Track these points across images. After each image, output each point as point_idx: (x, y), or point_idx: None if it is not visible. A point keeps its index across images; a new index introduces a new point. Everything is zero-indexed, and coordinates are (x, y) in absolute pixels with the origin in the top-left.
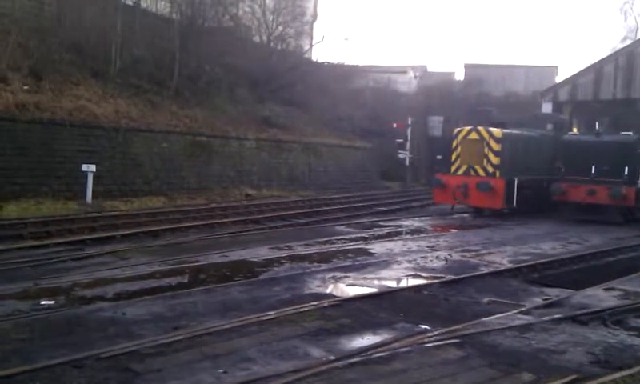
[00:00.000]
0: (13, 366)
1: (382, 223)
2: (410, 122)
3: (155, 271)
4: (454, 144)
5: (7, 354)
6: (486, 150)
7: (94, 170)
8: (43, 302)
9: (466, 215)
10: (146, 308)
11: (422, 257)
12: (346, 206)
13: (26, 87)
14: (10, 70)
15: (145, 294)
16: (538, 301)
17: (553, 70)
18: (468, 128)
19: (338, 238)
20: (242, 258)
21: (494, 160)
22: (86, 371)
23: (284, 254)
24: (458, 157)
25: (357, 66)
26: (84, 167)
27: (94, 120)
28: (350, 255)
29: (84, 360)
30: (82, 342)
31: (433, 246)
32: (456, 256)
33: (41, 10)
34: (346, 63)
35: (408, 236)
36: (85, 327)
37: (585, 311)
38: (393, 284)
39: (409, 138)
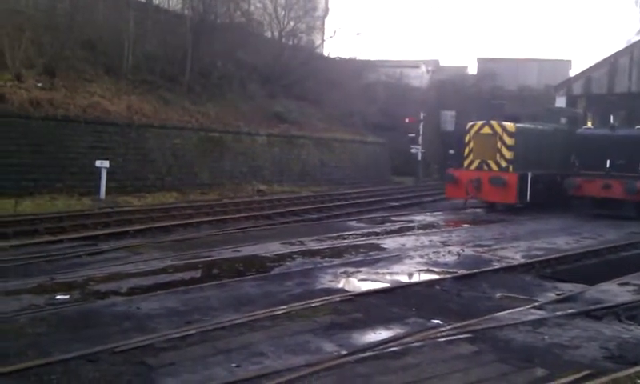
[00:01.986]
0: (28, 360)
1: (394, 218)
2: (422, 117)
3: (168, 266)
4: (467, 138)
5: (23, 347)
6: (499, 144)
7: (108, 166)
8: (58, 297)
9: (478, 210)
10: (159, 302)
11: (434, 252)
12: (358, 201)
13: (39, 84)
14: (24, 67)
15: (158, 289)
16: (552, 296)
17: (567, 64)
18: (481, 122)
19: (350, 233)
20: (254, 253)
21: (507, 154)
22: (100, 365)
23: (296, 249)
24: (470, 151)
25: (369, 60)
26: (97, 163)
27: (107, 116)
28: (361, 250)
29: (98, 354)
30: (97, 336)
31: (445, 241)
32: (468, 251)
33: (54, 8)
34: (357, 58)
35: (420, 231)
36: (99, 321)
37: (599, 306)
38: (405, 279)
39: (421, 132)
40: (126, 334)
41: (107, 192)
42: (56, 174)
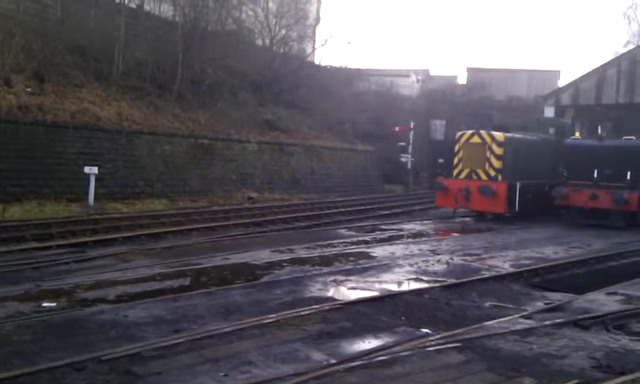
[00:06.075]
0: (14, 368)
1: (383, 226)
2: (412, 126)
3: (157, 274)
4: (456, 148)
5: (8, 355)
6: (488, 153)
7: (97, 172)
8: (45, 304)
9: (467, 219)
10: (147, 310)
11: (423, 260)
12: (348, 209)
13: (29, 89)
14: (14, 72)
15: (146, 297)
16: (540, 305)
17: (555, 74)
18: (470, 132)
19: (340, 241)
20: (243, 260)
21: (496, 164)
22: (87, 374)
23: (285, 257)
24: (460, 160)
25: (359, 69)
26: (86, 169)
27: (97, 122)
28: (351, 258)
29: (85, 362)
30: (84, 345)
31: (434, 250)
32: (458, 260)
33: (44, 13)
34: (348, 67)
35: (410, 239)
36: (86, 329)
37: (587, 316)
38: (394, 287)
39: (411, 141)
40: (113, 343)
41: (96, 198)
42: (44, 179)
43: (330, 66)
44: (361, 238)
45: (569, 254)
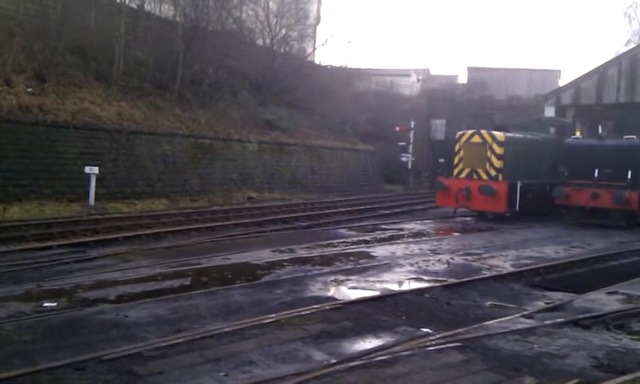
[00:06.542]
0: (15, 368)
1: (384, 226)
2: (412, 125)
3: (157, 273)
4: (457, 147)
5: (9, 355)
6: (488, 153)
7: (97, 172)
8: (46, 304)
9: (468, 218)
10: (147, 310)
11: (424, 260)
12: (348, 208)
13: (29, 89)
14: (14, 72)
15: (147, 297)
16: (541, 305)
17: (556, 74)
18: (471, 131)
19: (340, 240)
20: (243, 260)
21: (497, 163)
22: (87, 373)
23: (286, 256)
24: (460, 160)
25: (360, 69)
26: (87, 169)
27: (97, 122)
28: (352, 258)
29: (86, 362)
30: (84, 344)
31: (435, 250)
32: (458, 259)
33: (45, 13)
34: (348, 66)
35: (410, 239)
36: (87, 329)
37: (587, 315)
38: (395, 287)
39: (411, 141)
40: (113, 343)
41: (96, 198)
42: (45, 179)
43: (331, 66)
44: (361, 238)
45: (569, 253)
